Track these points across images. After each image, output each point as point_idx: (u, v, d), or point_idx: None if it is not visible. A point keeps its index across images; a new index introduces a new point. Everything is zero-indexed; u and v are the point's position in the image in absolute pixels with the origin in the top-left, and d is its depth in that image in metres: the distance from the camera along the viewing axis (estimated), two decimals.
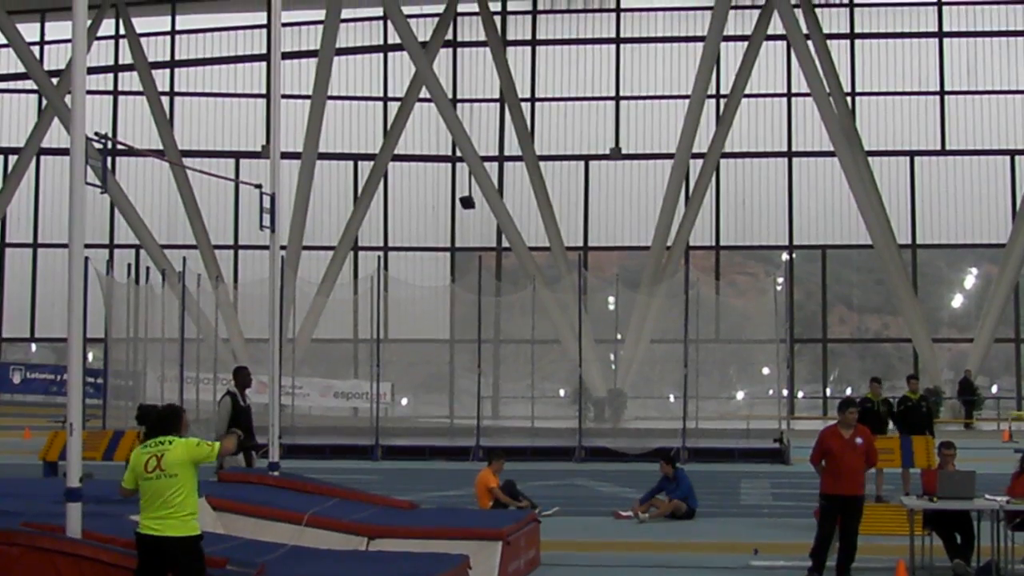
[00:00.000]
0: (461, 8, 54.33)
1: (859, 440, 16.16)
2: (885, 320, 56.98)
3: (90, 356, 43.43)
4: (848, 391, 52.61)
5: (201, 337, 42.38)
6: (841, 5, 54.97)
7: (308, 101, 49.89)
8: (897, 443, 25.45)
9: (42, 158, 54.27)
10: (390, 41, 55.17)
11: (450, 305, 48.82)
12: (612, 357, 47.80)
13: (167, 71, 55.87)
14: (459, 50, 56.59)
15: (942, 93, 54.40)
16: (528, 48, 56.37)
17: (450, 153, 55.37)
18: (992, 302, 49.71)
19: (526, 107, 54.28)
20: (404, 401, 50.64)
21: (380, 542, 15.26)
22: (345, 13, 51.05)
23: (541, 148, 53.41)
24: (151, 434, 11.17)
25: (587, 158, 55.46)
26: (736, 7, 51.53)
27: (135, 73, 53.46)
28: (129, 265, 40.85)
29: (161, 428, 11.15)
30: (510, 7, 56.26)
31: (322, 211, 53.05)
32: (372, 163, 52.94)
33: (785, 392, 39.15)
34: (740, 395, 46.12)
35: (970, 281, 56.84)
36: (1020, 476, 17.42)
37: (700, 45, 50.17)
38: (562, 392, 50.61)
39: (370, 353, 40.32)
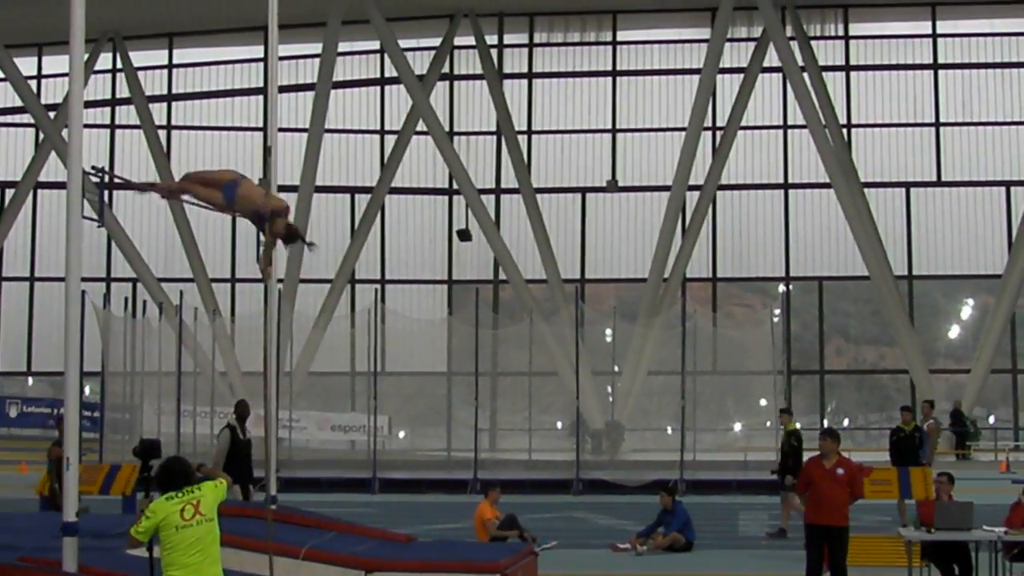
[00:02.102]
0: (458, 41, 54.43)
1: (840, 471, 16.13)
2: (882, 351, 56.95)
3: (87, 390, 43.36)
4: (846, 422, 52.65)
5: (198, 371, 42.39)
6: (836, 37, 55.04)
7: (305, 134, 50.00)
8: (894, 474, 25.45)
9: (39, 192, 54.28)
10: (387, 74, 55.23)
11: (447, 338, 48.81)
12: (610, 389, 47.80)
13: (164, 104, 55.93)
14: (456, 83, 56.66)
15: (937, 125, 54.46)
16: (524, 81, 56.46)
17: (447, 186, 55.42)
18: (988, 333, 49.68)
19: (523, 140, 54.34)
20: (402, 434, 50.63)
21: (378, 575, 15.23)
22: (342, 47, 51.21)
23: (538, 181, 53.46)
24: (175, 487, 11.00)
25: (584, 190, 55.49)
26: (732, 40, 51.68)
27: (132, 107, 53.57)
28: (126, 299, 40.89)
29: (184, 479, 11.05)
30: (507, 40, 56.32)
31: (319, 244, 52.79)
32: (369, 196, 52.99)
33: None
34: (738, 427, 46.14)
35: (966, 312, 56.84)
36: (1019, 507, 17.42)
37: (696, 78, 50.28)
38: (560, 424, 50.62)
39: (367, 386, 40.31)
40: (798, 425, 26.47)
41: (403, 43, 51.30)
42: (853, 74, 54.87)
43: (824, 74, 51.01)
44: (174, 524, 10.67)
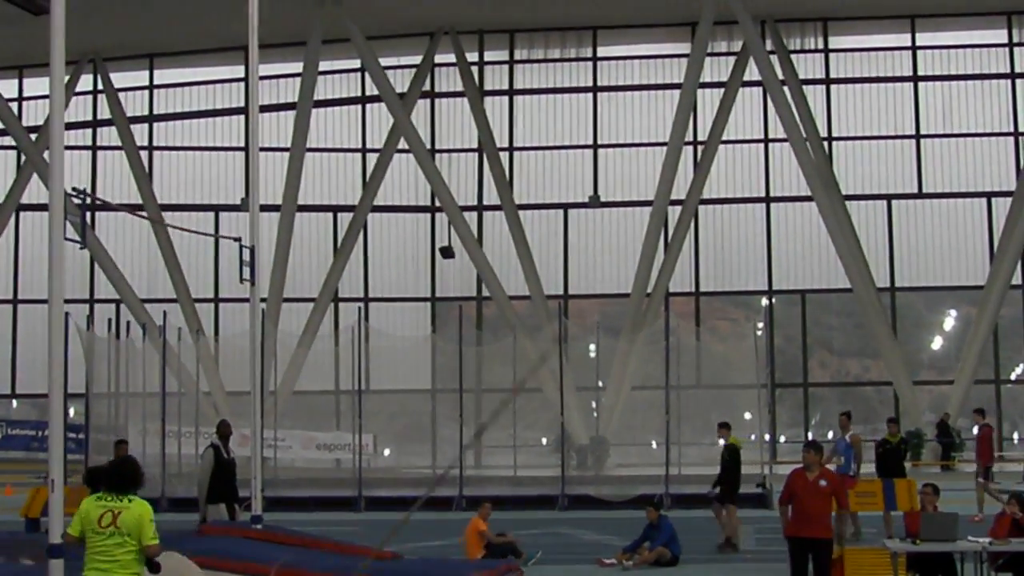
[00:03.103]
0: (438, 59, 54.53)
1: (823, 483, 16.09)
2: (865, 363, 57.06)
3: (71, 411, 43.25)
4: (830, 435, 52.58)
5: (183, 391, 42.27)
6: (816, 51, 55.21)
7: (287, 153, 50.05)
8: (879, 486, 25.51)
9: (21, 214, 54.21)
10: (368, 93, 55.27)
11: (431, 355, 48.82)
12: (594, 404, 47.79)
13: (146, 125, 55.89)
14: (437, 100, 56.70)
15: (918, 137, 54.64)
16: (506, 98, 56.52)
17: (429, 203, 55.46)
18: (971, 343, 49.83)
19: (504, 156, 54.44)
20: (387, 451, 50.55)
21: None
22: (323, 65, 51.26)
23: (520, 197, 53.53)
24: (110, 488, 10.89)
25: (566, 206, 55.55)
26: (712, 54, 51.85)
27: (114, 128, 53.59)
28: (110, 320, 40.73)
29: (119, 483, 10.95)
30: (487, 57, 56.41)
31: (302, 263, 53.03)
32: (351, 214, 53.02)
33: (767, 437, 39.07)
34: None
35: (949, 323, 56.96)
36: (1003, 517, 17.46)
37: (677, 92, 50.37)
38: (544, 440, 50.59)
39: (352, 404, 40.24)
40: (738, 439, 26.54)
41: (384, 61, 51.38)
42: (833, 87, 55.03)
43: (804, 87, 51.22)
44: (91, 526, 10.70)
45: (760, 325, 41.37)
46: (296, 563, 15.83)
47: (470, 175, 56.09)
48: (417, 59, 53.95)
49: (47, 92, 13.38)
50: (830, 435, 52.56)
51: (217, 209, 54.35)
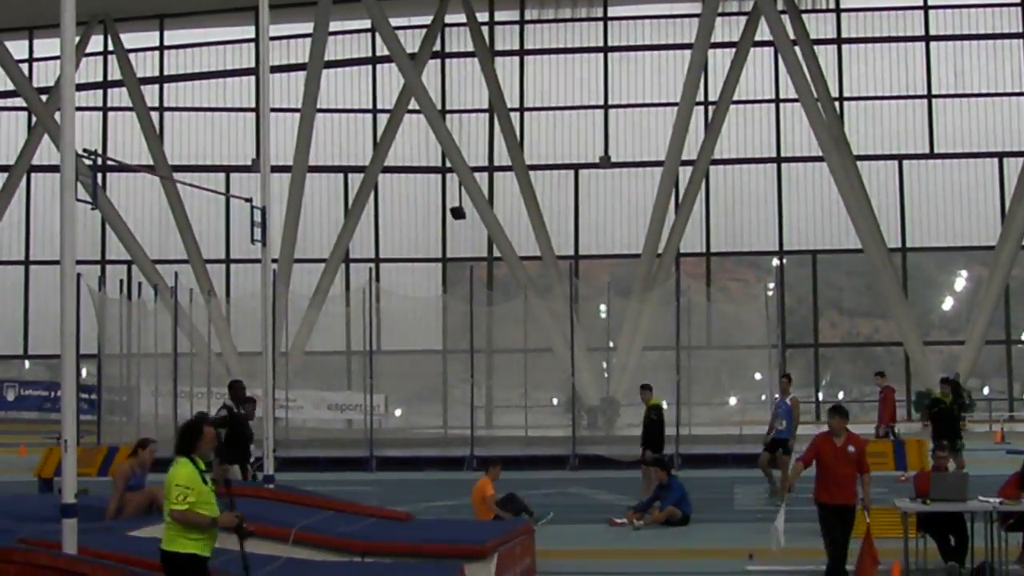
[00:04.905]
0: (449, 19, 54.37)
1: (851, 448, 15.99)
2: (876, 324, 56.98)
3: (84, 372, 43.37)
4: (840, 395, 52.67)
5: (194, 351, 42.40)
6: (828, 10, 55.01)
7: (297, 114, 49.92)
8: (890, 447, 25.54)
9: (32, 175, 54.24)
10: (378, 53, 55.18)
11: (442, 316, 48.88)
12: (605, 365, 47.83)
13: (156, 86, 55.82)
14: (447, 61, 56.61)
15: (930, 97, 54.48)
16: (516, 58, 56.42)
17: (440, 164, 55.40)
18: (982, 304, 49.75)
19: (515, 117, 54.33)
20: (398, 412, 50.67)
21: (373, 558, 15.27)
22: (333, 26, 51.09)
23: (531, 158, 53.45)
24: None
25: (577, 167, 55.50)
26: (723, 14, 51.67)
27: (124, 89, 53.48)
28: (121, 281, 40.82)
29: (176, 443, 11.07)
30: (498, 17, 56.27)
31: (313, 224, 53.05)
32: (362, 175, 52.96)
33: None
34: (733, 401, 46.15)
35: (960, 283, 56.86)
36: (1014, 477, 17.50)
37: (688, 53, 50.19)
38: (555, 401, 50.67)
39: (363, 365, 40.32)
40: (663, 402, 26.83)
41: (394, 21, 51.21)
42: (845, 47, 54.87)
43: (816, 47, 50.98)
44: None
45: (771, 286, 41.48)
46: (314, 527, 15.89)
47: (481, 136, 56.05)
48: (428, 19, 53.78)
49: (58, 53, 13.40)
50: (840, 395, 52.74)
51: (228, 170, 54.30)
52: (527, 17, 56.57)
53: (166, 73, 56.41)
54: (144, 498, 16.56)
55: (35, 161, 52.91)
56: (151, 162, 51.06)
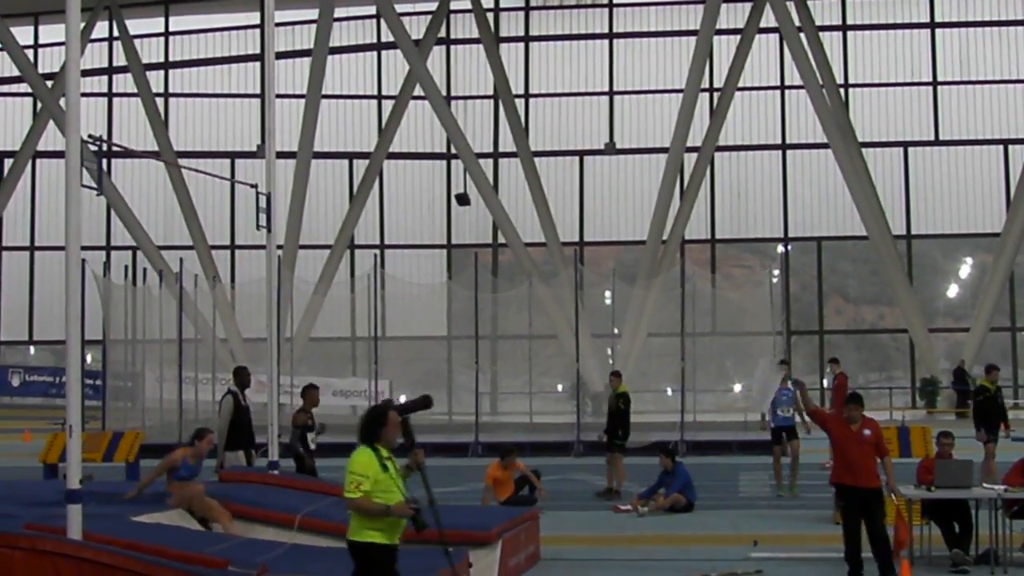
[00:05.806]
0: (454, 5, 54.34)
1: (867, 432, 15.83)
2: (881, 311, 56.99)
3: (88, 358, 43.45)
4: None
5: (199, 337, 42.41)
6: None
7: (303, 100, 49.93)
8: (895, 432, 25.48)
9: (38, 161, 54.29)
10: (383, 39, 55.14)
11: (447, 302, 48.84)
12: (609, 351, 47.80)
13: (161, 72, 55.87)
14: (452, 47, 56.61)
15: (935, 83, 54.45)
16: (521, 44, 56.40)
17: (445, 150, 55.41)
18: (987, 291, 49.75)
19: (520, 103, 54.31)
20: (402, 398, 50.63)
21: None
22: (338, 12, 51.10)
23: (535, 144, 53.43)
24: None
25: (581, 153, 55.50)
26: (728, 0, 51.57)
27: (129, 75, 53.46)
28: (126, 267, 40.80)
29: (362, 433, 11.05)
30: (503, 4, 56.24)
31: (318, 210, 53.06)
32: (367, 161, 52.99)
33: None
34: (737, 387, 46.15)
35: (965, 270, 56.86)
36: (1019, 464, 17.49)
37: (693, 39, 50.17)
38: (560, 387, 50.70)
39: (368, 351, 40.32)
40: (625, 386, 26.88)
41: (399, 7, 51.22)
42: (850, 34, 54.83)
43: (821, 34, 50.87)
44: None
45: (776, 272, 41.44)
46: (319, 513, 15.90)
47: (486, 122, 56.04)
48: (432, 5, 53.76)
49: (63, 39, 13.38)
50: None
51: (233, 156, 54.30)
52: (532, 3, 56.57)
53: (171, 59, 56.42)
54: (189, 491, 16.42)
55: (40, 147, 52.90)
56: (156, 148, 51.08)
